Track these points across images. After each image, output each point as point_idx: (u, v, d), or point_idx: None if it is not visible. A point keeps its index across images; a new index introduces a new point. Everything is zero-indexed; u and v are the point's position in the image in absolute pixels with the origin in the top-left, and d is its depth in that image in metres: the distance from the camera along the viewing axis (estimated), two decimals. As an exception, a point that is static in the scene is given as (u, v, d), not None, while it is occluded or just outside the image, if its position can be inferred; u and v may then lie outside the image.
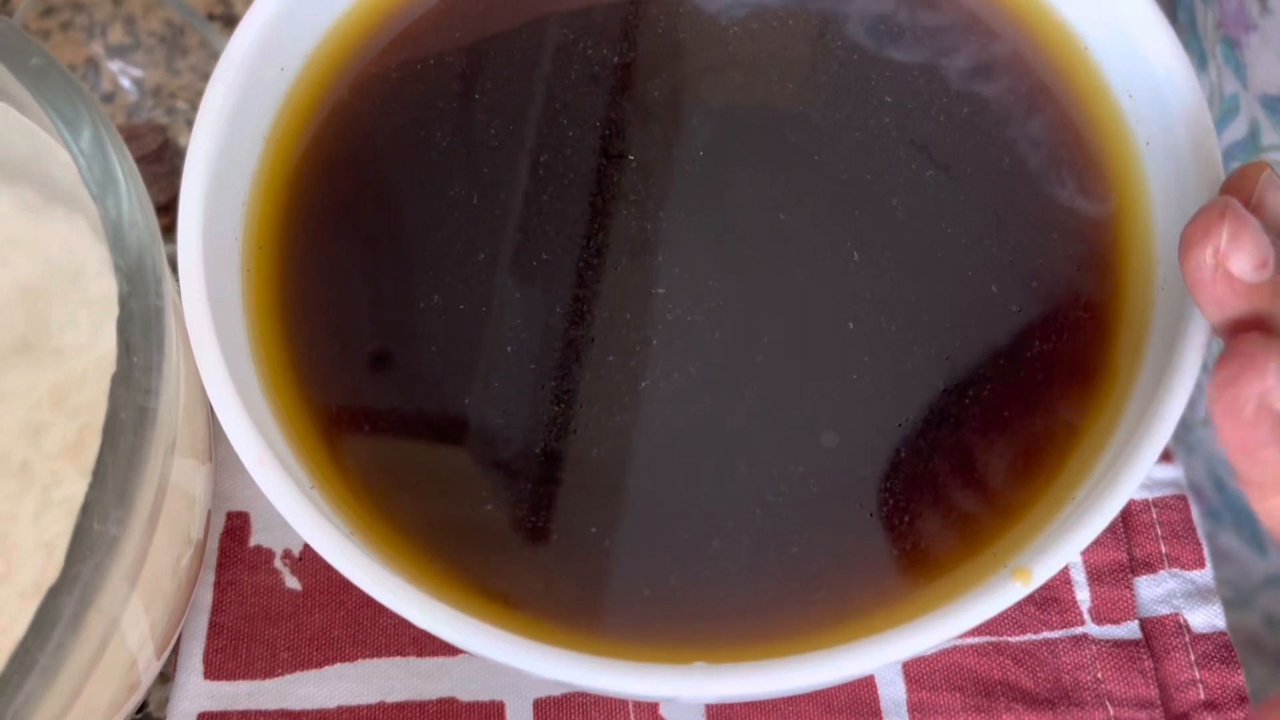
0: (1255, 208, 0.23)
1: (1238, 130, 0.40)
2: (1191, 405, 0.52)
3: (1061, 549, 0.23)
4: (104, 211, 0.24)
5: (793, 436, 0.27)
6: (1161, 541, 0.32)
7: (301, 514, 0.24)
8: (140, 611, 0.26)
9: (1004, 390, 0.27)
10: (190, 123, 0.40)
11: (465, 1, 0.31)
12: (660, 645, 0.24)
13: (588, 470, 0.26)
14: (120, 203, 0.25)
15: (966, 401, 0.27)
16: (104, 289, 0.29)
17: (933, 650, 0.24)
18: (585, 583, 0.26)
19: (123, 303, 0.23)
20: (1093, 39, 0.29)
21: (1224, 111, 0.41)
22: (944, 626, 0.23)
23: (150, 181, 0.36)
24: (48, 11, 0.41)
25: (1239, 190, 0.23)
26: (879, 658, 0.22)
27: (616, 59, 0.31)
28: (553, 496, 0.26)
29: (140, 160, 0.37)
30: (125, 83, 0.40)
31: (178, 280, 0.26)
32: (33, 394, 0.28)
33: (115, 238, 0.25)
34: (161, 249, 0.26)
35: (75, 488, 0.26)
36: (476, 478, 0.27)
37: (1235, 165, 0.40)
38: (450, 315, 0.28)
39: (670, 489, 0.26)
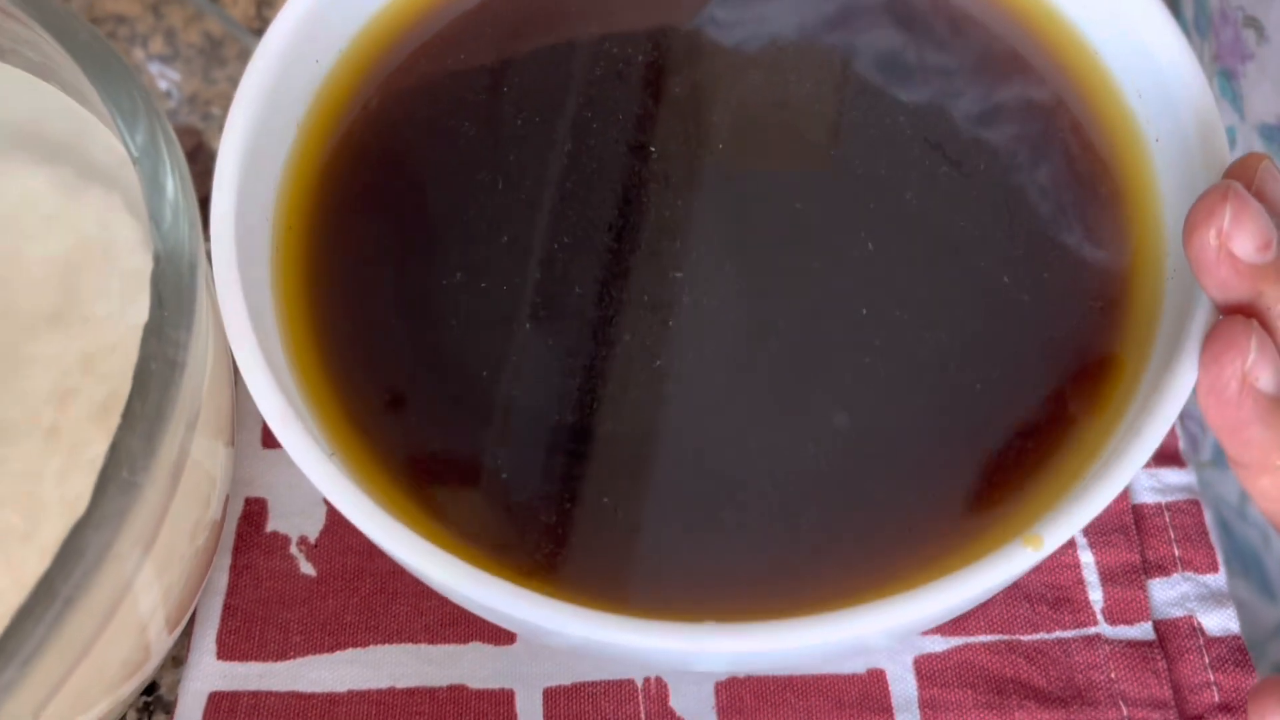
0: (1256, 195, 0.23)
1: None
2: (1195, 445, 0.52)
3: (1072, 517, 0.23)
4: (143, 175, 0.25)
5: (804, 416, 0.27)
6: (1175, 545, 0.32)
7: (321, 470, 0.24)
8: (153, 577, 0.27)
9: (1015, 374, 0.27)
10: (222, 128, 0.41)
11: (498, 3, 0.32)
12: (671, 611, 0.25)
13: (603, 444, 0.27)
14: (160, 171, 0.26)
15: (978, 385, 0.27)
16: (136, 263, 0.29)
17: (946, 617, 0.24)
18: (600, 552, 0.26)
19: (157, 258, 0.24)
20: (1100, 40, 0.30)
21: None
22: (956, 590, 0.23)
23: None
24: (92, 23, 0.42)
25: (1240, 178, 0.24)
26: (890, 619, 0.22)
27: (641, 58, 0.32)
28: (569, 468, 0.27)
29: (175, 158, 0.38)
30: (163, 85, 0.41)
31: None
32: (63, 360, 0.28)
33: (154, 202, 0.25)
34: (197, 220, 0.27)
35: (100, 448, 0.27)
36: (494, 451, 0.27)
37: None
38: (472, 293, 0.28)
39: (683, 463, 0.27)
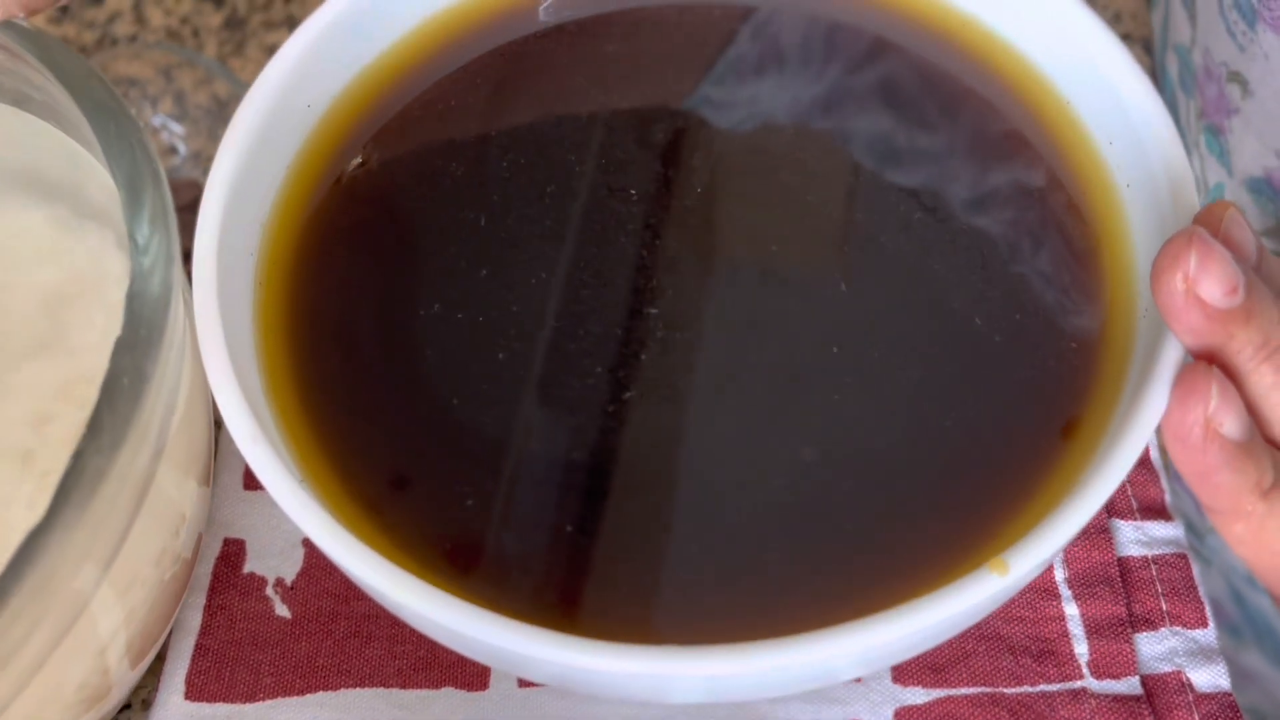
0: (1222, 240, 0.24)
1: None
2: (1201, 510, 0.51)
3: (1039, 545, 0.23)
4: (125, 201, 0.26)
5: (772, 451, 0.27)
6: (1162, 599, 0.32)
7: (288, 491, 0.24)
8: (113, 599, 0.27)
9: (987, 412, 0.27)
10: (226, 183, 0.42)
11: (488, 58, 0.33)
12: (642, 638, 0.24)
13: (570, 472, 0.27)
14: (140, 196, 0.26)
15: (948, 423, 0.27)
16: (121, 297, 0.30)
17: (917, 643, 0.24)
18: (567, 583, 0.26)
19: (134, 277, 0.25)
20: (1073, 91, 0.31)
21: (1209, 201, 0.42)
22: (922, 614, 0.22)
23: (183, 229, 0.38)
24: (105, 85, 0.44)
25: (1207, 224, 0.24)
26: (856, 642, 0.22)
27: (625, 107, 0.32)
28: (537, 499, 0.27)
29: (180, 208, 0.39)
30: (170, 141, 0.42)
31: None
32: (42, 387, 0.29)
33: (132, 225, 0.26)
34: (176, 252, 0.27)
35: (74, 475, 0.27)
36: (462, 480, 0.27)
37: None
38: (450, 332, 0.29)
39: (649, 496, 0.26)
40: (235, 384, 0.25)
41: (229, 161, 0.29)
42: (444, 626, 0.23)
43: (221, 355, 0.26)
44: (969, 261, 0.29)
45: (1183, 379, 0.23)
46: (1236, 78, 0.37)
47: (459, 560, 0.26)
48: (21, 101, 0.32)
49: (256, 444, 0.25)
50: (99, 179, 0.31)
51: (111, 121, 0.27)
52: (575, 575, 0.26)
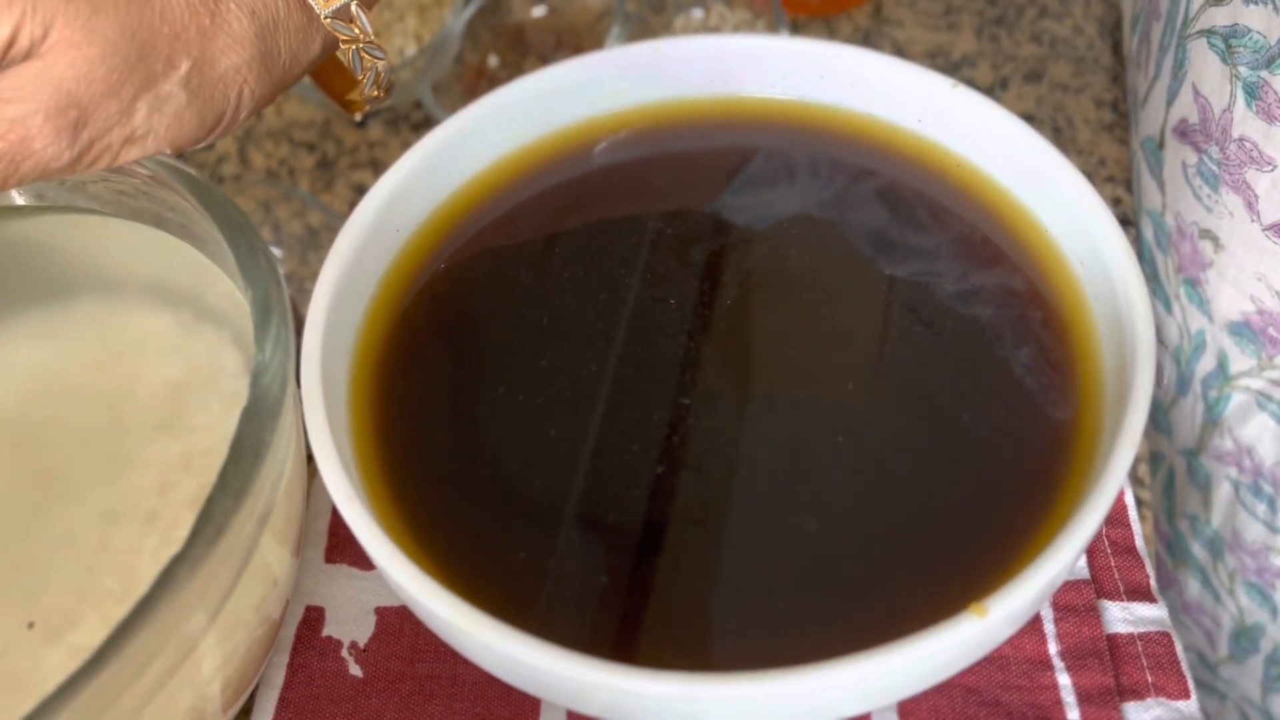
0: None
1: (1208, 363, 0.45)
2: (1212, 642, 0.54)
3: (1014, 594, 0.27)
4: (254, 313, 0.31)
5: (778, 522, 0.31)
6: (1148, 672, 0.35)
7: (380, 543, 0.29)
8: (215, 644, 0.31)
9: (971, 490, 0.31)
10: (315, 300, 0.48)
11: (551, 189, 0.39)
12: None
13: (611, 533, 0.31)
14: (270, 312, 0.32)
15: (939, 500, 0.31)
16: (235, 386, 0.35)
17: (909, 680, 0.28)
18: (608, 626, 0.30)
19: (258, 363, 0.30)
20: (1049, 220, 0.36)
21: (1194, 348, 0.46)
22: (912, 650, 0.26)
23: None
24: (212, 215, 0.50)
25: None
26: (851, 675, 0.26)
27: (672, 232, 0.38)
28: (583, 557, 0.31)
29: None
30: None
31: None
32: (166, 460, 0.34)
33: (260, 333, 0.31)
34: (292, 352, 0.33)
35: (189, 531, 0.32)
36: (527, 546, 0.32)
37: (1212, 394, 0.46)
38: (512, 406, 0.33)
39: (678, 556, 0.31)
40: (335, 454, 0.30)
41: (332, 275, 0.34)
42: (507, 655, 0.27)
43: (324, 429, 0.31)
44: (959, 367, 0.34)
45: None
46: (1208, 234, 0.42)
47: (516, 604, 0.30)
48: (159, 221, 0.38)
49: (351, 502, 0.30)
50: (218, 286, 0.37)
51: (242, 237, 0.32)
52: (613, 620, 0.30)
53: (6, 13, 0.27)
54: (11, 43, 0.28)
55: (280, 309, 0.32)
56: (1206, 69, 0.40)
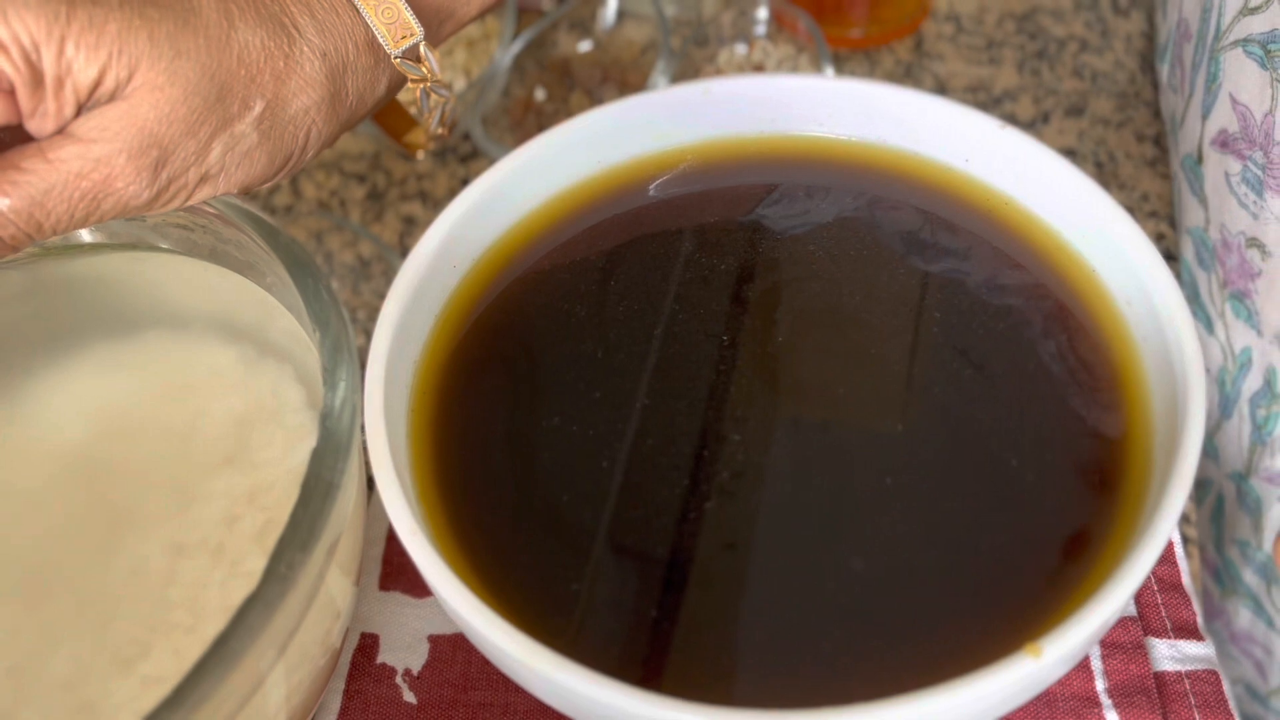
0: None
1: (1254, 381, 0.45)
2: (1262, 672, 0.53)
3: (1068, 634, 0.27)
4: (324, 353, 0.32)
5: (831, 559, 0.32)
6: (1195, 710, 0.35)
7: (443, 575, 0.30)
8: (282, 677, 0.32)
9: (1023, 533, 0.32)
10: (366, 331, 0.49)
11: (605, 224, 0.40)
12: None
13: (658, 564, 0.32)
14: (339, 353, 0.33)
15: (988, 542, 0.32)
16: (298, 420, 0.36)
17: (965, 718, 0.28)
18: (651, 654, 0.30)
19: (327, 403, 0.31)
20: (1096, 260, 0.36)
21: (1239, 367, 0.46)
22: (965, 691, 0.27)
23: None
24: (266, 246, 0.52)
25: None
26: (904, 713, 0.26)
27: (721, 266, 0.39)
28: (630, 585, 0.32)
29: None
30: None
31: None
32: (232, 493, 0.35)
33: (330, 373, 0.32)
34: (359, 390, 0.33)
35: (257, 564, 0.33)
36: (574, 569, 0.32)
37: (1260, 414, 0.46)
38: (566, 439, 0.34)
39: (723, 588, 0.31)
40: (399, 487, 0.31)
41: (393, 311, 0.35)
42: (564, 686, 0.28)
43: (388, 463, 0.32)
44: (1008, 407, 0.34)
45: None
46: (1254, 243, 0.42)
47: (568, 633, 0.31)
48: (217, 256, 0.39)
49: (415, 535, 0.30)
50: (280, 323, 0.38)
51: (309, 278, 0.33)
52: (666, 653, 0.30)
53: (93, 54, 0.29)
54: (98, 84, 0.29)
55: (349, 350, 0.33)
56: (1244, 77, 0.40)
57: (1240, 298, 0.44)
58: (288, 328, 0.38)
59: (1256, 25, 0.39)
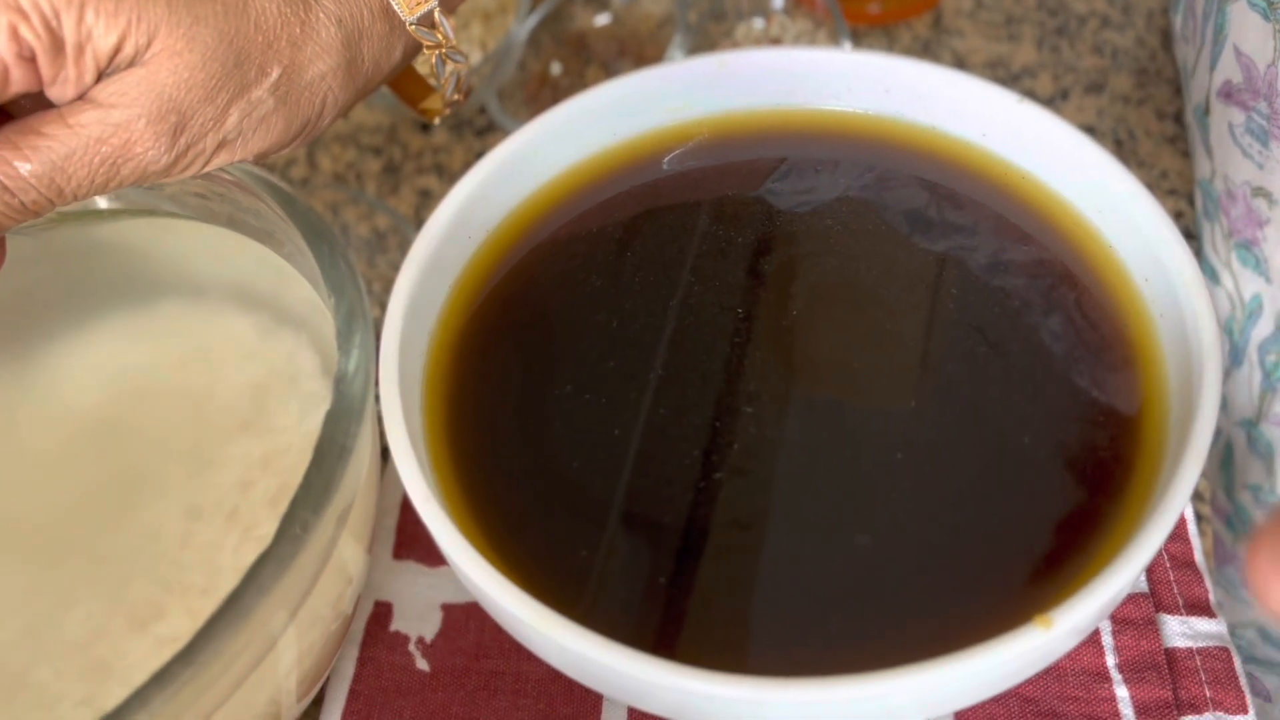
0: None
1: (1264, 328, 0.45)
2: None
3: (1077, 606, 0.27)
4: (339, 321, 0.32)
5: (843, 530, 0.32)
6: (1206, 686, 0.35)
7: (457, 543, 0.30)
8: (293, 640, 0.32)
9: (1036, 508, 0.32)
10: (381, 303, 0.49)
11: (620, 196, 0.40)
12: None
13: (669, 534, 0.32)
14: (354, 321, 0.33)
15: (1001, 517, 0.32)
16: (313, 387, 0.36)
17: (974, 688, 0.28)
18: (679, 630, 0.31)
19: (341, 368, 0.31)
20: (1114, 237, 0.36)
21: (1248, 315, 0.46)
22: (976, 660, 0.27)
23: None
24: (283, 218, 0.52)
25: None
26: (914, 682, 0.26)
27: (734, 237, 0.38)
28: (640, 555, 0.32)
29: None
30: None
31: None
32: (247, 459, 0.35)
33: (344, 340, 0.32)
34: (373, 358, 0.34)
35: (269, 528, 0.33)
36: (585, 538, 0.32)
37: (1270, 359, 0.45)
38: (578, 407, 0.34)
39: (734, 559, 0.31)
40: (413, 455, 0.31)
41: (408, 281, 0.35)
42: (577, 653, 0.28)
43: (402, 431, 0.32)
44: (1023, 383, 0.34)
45: None
46: (1261, 191, 0.42)
47: (579, 601, 0.31)
48: (234, 224, 0.39)
49: (428, 502, 0.31)
50: (297, 290, 0.38)
51: (325, 245, 0.34)
52: (677, 621, 0.30)
53: (113, 21, 0.29)
54: (117, 50, 0.29)
55: (364, 317, 0.33)
56: (1247, 29, 0.41)
57: (1247, 246, 0.44)
58: (304, 295, 0.38)
59: None
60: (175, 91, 0.30)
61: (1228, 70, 0.42)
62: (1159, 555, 0.37)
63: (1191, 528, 0.39)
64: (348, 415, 0.31)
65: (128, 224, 0.40)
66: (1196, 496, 0.42)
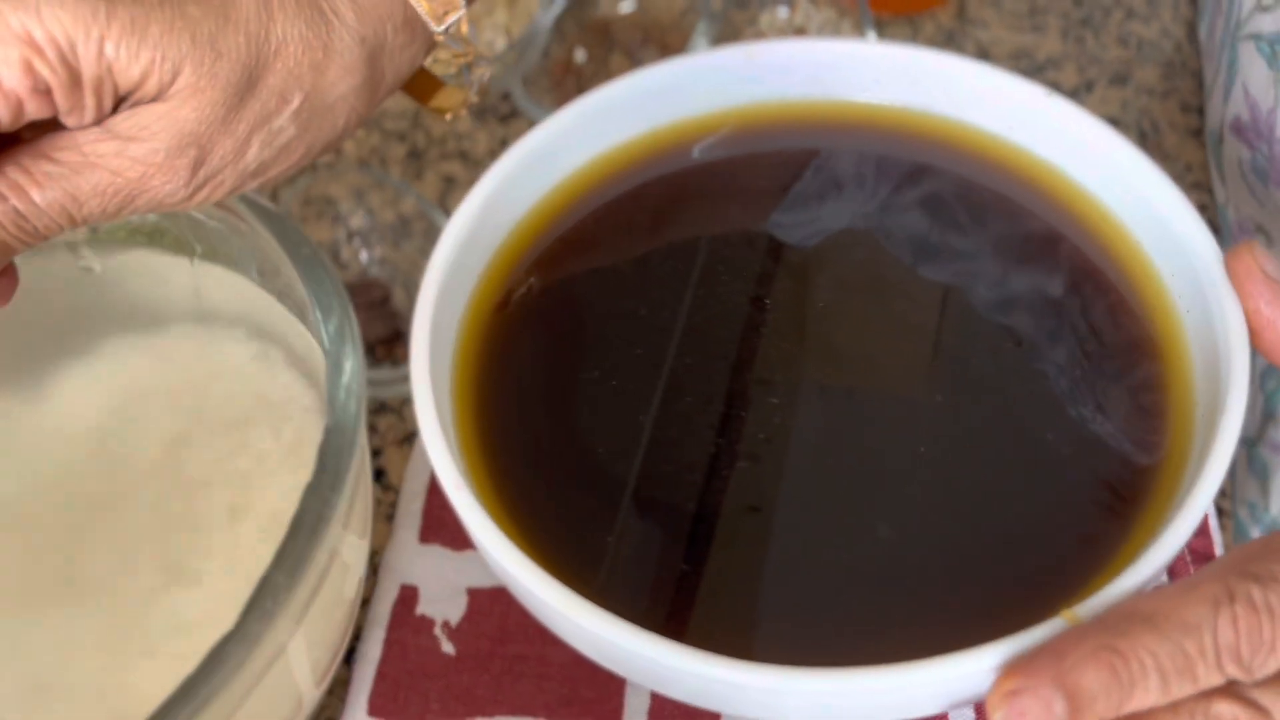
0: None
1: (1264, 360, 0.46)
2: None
3: (1107, 600, 0.28)
4: (329, 356, 0.33)
5: (869, 522, 0.32)
6: (1224, 679, 0.36)
7: (487, 529, 0.30)
8: (303, 644, 0.32)
9: (1060, 502, 0.32)
10: (405, 285, 0.49)
11: (650, 185, 0.40)
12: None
13: (688, 519, 0.33)
14: (342, 351, 0.34)
15: (1024, 511, 0.32)
16: (308, 417, 0.37)
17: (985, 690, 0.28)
18: (702, 616, 0.31)
19: (331, 392, 0.33)
20: (1140, 231, 0.36)
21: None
22: (993, 656, 0.27)
23: (375, 319, 0.46)
24: (307, 201, 0.52)
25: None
26: (938, 674, 0.27)
27: (763, 227, 0.39)
28: (662, 539, 0.32)
29: (369, 304, 0.46)
30: (358, 247, 0.50)
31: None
32: (238, 483, 0.36)
33: (331, 377, 0.33)
34: (364, 387, 0.34)
35: (267, 550, 0.33)
36: (606, 515, 0.33)
37: (1270, 386, 0.46)
38: (603, 394, 0.35)
39: (754, 546, 0.32)
40: (444, 443, 0.32)
41: (437, 271, 0.36)
42: (603, 639, 0.29)
43: (433, 419, 0.32)
44: (1047, 379, 0.34)
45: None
46: (1261, 230, 0.42)
47: (604, 586, 0.31)
48: (229, 256, 0.40)
49: (460, 490, 0.31)
50: (294, 324, 0.39)
51: (313, 264, 0.35)
52: (701, 608, 0.31)
53: (135, 58, 0.28)
54: (140, 84, 0.29)
55: (353, 338, 0.34)
56: (1254, 71, 0.41)
57: None
58: (302, 333, 0.38)
59: (1266, 24, 0.39)
60: (197, 126, 0.29)
61: (1238, 106, 0.43)
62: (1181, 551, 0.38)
63: (1213, 521, 0.39)
64: (342, 428, 0.31)
65: (134, 253, 0.40)
66: (1220, 494, 0.42)
